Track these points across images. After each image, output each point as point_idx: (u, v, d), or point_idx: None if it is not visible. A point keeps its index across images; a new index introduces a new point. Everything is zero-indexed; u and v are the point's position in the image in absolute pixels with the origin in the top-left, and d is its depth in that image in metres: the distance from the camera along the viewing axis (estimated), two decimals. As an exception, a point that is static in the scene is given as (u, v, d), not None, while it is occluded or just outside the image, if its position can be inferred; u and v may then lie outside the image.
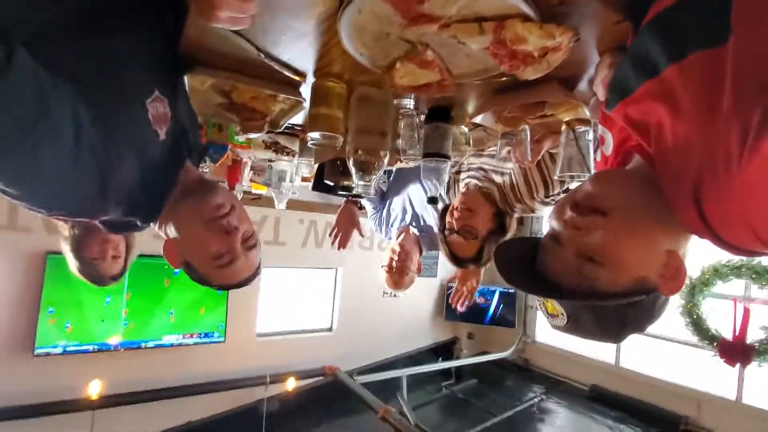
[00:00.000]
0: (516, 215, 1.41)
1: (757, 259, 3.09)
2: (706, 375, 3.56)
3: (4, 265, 2.80)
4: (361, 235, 2.04)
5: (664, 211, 0.49)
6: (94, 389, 2.56)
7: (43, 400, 2.80)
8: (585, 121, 0.92)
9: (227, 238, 0.77)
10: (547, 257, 0.56)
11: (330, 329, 4.39)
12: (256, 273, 0.87)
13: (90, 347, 3.01)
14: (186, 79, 0.86)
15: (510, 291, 4.97)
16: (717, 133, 0.40)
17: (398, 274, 1.76)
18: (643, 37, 0.50)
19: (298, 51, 0.76)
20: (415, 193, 1.90)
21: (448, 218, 1.36)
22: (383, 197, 2.08)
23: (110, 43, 0.63)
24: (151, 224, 0.78)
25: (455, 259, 1.38)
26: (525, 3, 0.53)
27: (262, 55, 0.76)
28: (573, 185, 1.29)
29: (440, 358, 4.88)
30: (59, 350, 2.90)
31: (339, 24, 0.61)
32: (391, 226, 1.99)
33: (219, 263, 0.78)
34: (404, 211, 1.94)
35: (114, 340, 3.10)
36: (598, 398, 4.19)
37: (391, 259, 1.78)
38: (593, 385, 4.30)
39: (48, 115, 0.48)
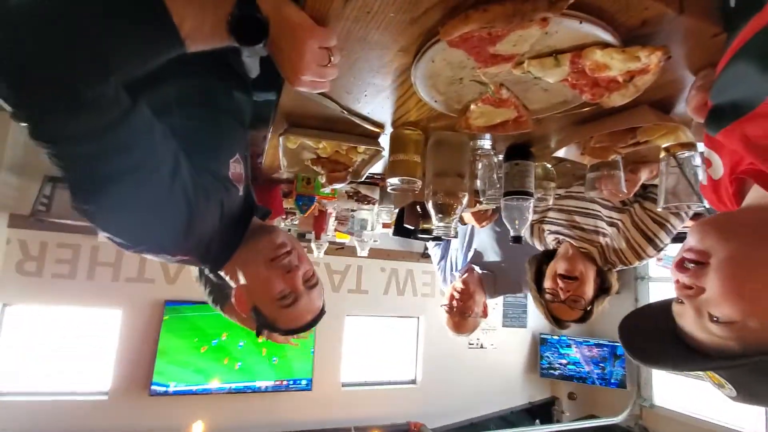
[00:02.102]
0: (616, 270, 1.31)
1: None
2: None
3: (132, 313, 3.24)
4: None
5: None
6: (198, 430, 2.73)
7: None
8: (689, 145, 0.83)
9: (288, 277, 0.82)
10: (680, 322, 0.51)
11: (414, 381, 4.23)
12: (320, 314, 0.90)
13: (195, 389, 3.27)
14: (280, 139, 0.97)
15: (616, 345, 4.38)
16: None
17: (459, 316, 1.64)
18: (751, 52, 0.45)
19: (376, 105, 0.82)
20: (478, 232, 1.80)
21: (549, 284, 1.29)
22: (448, 242, 2.00)
23: (215, 112, 0.75)
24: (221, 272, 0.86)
25: (558, 322, 1.31)
26: (603, 30, 0.51)
27: (345, 112, 0.83)
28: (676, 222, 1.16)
29: (537, 421, 4.37)
30: (170, 391, 3.20)
31: (414, 75, 0.65)
32: (455, 270, 1.89)
33: (283, 303, 0.82)
34: (467, 248, 1.84)
35: (214, 383, 3.33)
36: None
37: (452, 298, 1.67)
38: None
39: (154, 152, 0.58)
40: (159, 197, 0.61)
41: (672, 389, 4.12)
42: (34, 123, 0.48)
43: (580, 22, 0.50)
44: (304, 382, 3.62)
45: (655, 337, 0.52)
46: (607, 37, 0.53)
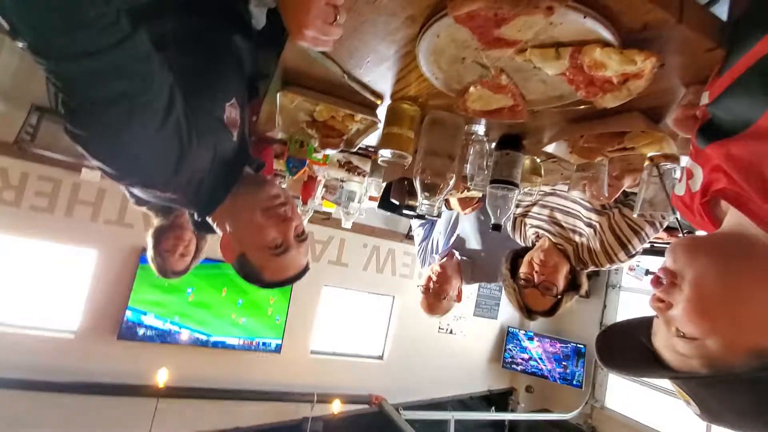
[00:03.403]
0: (587, 271, 1.36)
1: None
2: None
3: (107, 255, 3.22)
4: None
5: None
6: (162, 377, 2.78)
7: (121, 382, 3.10)
8: (672, 157, 0.86)
9: (283, 226, 0.83)
10: (653, 338, 0.53)
11: (381, 357, 4.34)
12: (304, 271, 0.92)
13: (164, 338, 3.30)
14: (278, 96, 0.97)
15: (580, 346, 4.55)
16: None
17: (434, 297, 1.70)
18: (754, 75, 0.46)
19: (378, 74, 0.82)
20: (463, 218, 1.84)
21: (524, 269, 1.35)
22: (432, 224, 2.04)
23: (212, 52, 0.75)
24: (208, 218, 0.86)
25: (528, 311, 1.36)
26: (605, 28, 0.53)
27: (346, 77, 0.83)
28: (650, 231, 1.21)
29: (493, 408, 4.55)
30: (138, 338, 3.22)
31: (418, 47, 0.65)
32: (435, 253, 1.93)
33: (274, 252, 0.83)
34: (450, 234, 1.88)
35: (184, 334, 3.37)
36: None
37: (429, 279, 1.72)
38: None
39: (151, 83, 0.58)
40: (152, 128, 0.61)
41: (623, 394, 4.33)
42: (35, 36, 0.48)
43: (584, 17, 0.51)
44: (273, 345, 3.68)
45: (630, 348, 0.55)
46: (608, 35, 0.54)
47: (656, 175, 0.88)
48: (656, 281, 0.51)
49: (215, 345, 3.48)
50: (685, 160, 0.79)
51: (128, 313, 3.18)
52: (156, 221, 1.52)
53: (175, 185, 0.75)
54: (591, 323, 4.62)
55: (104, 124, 0.58)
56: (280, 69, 0.89)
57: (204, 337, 3.43)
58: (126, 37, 0.52)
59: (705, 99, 0.54)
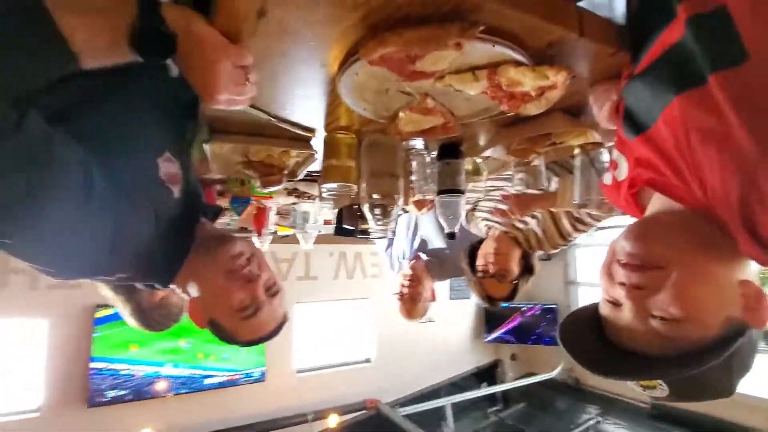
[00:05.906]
0: (538, 254, 1.46)
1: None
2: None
3: (58, 321, 2.97)
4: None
5: (722, 243, 0.47)
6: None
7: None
8: (598, 144, 0.91)
9: (249, 287, 0.77)
10: (616, 327, 0.53)
11: (368, 360, 4.35)
12: (282, 322, 0.87)
13: (140, 395, 3.11)
14: (206, 145, 0.92)
15: (551, 306, 4.78)
16: (756, 155, 0.40)
17: (410, 302, 1.74)
18: (655, 71, 0.49)
19: (306, 112, 0.80)
20: (423, 220, 1.87)
21: (480, 261, 1.40)
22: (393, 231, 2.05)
23: (126, 107, 0.68)
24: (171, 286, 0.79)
25: (490, 300, 1.42)
26: (513, 50, 0.54)
27: (273, 120, 0.81)
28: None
29: (484, 383, 4.70)
30: (110, 400, 3.02)
31: (339, 87, 0.64)
32: (403, 258, 1.95)
33: (244, 315, 0.77)
34: (413, 237, 1.91)
35: (160, 385, 3.19)
36: (661, 416, 3.89)
37: (402, 285, 1.76)
38: (654, 402, 4.00)
39: (59, 166, 0.51)
40: (73, 215, 0.54)
41: (598, 343, 4.60)
42: None
43: (493, 45, 0.52)
44: (257, 374, 3.58)
45: (592, 342, 0.55)
46: (518, 57, 0.55)
47: (588, 161, 0.93)
48: (635, 267, 0.50)
49: (196, 389, 3.33)
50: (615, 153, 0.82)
51: (95, 375, 2.96)
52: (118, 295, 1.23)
53: (120, 265, 0.67)
54: (557, 283, 4.86)
55: (17, 227, 0.51)
56: (203, 119, 0.85)
57: (183, 383, 3.28)
58: (14, 126, 0.44)
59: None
